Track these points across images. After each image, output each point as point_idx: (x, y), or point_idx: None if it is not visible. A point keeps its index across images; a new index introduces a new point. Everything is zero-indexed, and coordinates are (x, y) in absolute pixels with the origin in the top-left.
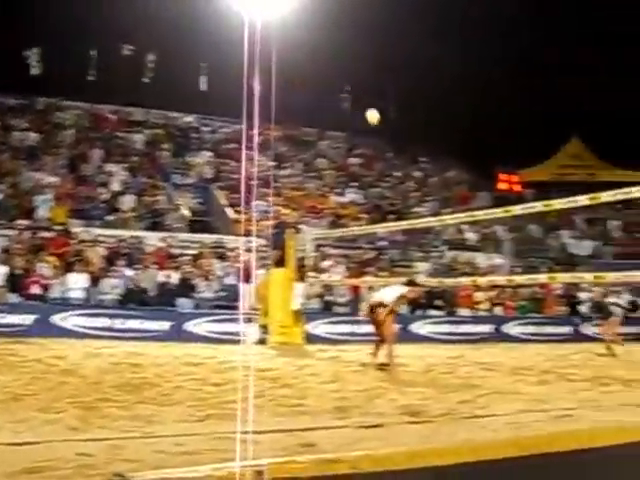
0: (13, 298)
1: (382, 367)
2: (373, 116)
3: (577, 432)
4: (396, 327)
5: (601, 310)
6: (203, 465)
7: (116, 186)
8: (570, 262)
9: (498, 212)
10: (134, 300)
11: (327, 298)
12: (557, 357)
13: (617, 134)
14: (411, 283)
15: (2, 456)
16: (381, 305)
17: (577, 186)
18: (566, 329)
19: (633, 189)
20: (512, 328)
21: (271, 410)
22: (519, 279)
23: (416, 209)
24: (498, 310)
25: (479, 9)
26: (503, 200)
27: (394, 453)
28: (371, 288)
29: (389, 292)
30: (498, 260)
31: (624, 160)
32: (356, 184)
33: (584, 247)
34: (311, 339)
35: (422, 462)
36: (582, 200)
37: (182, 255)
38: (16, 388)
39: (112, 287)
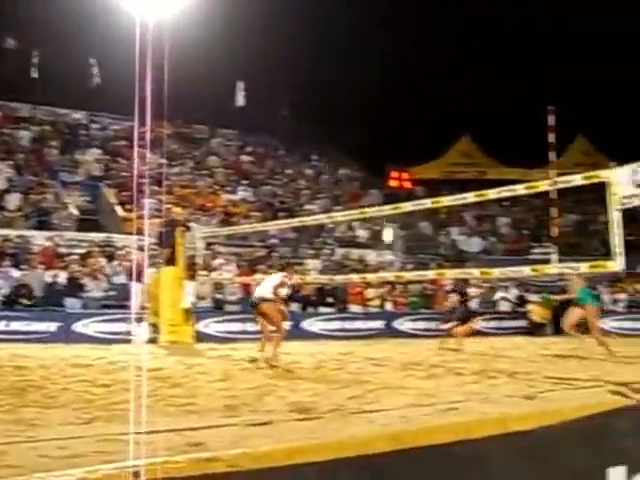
0: None
1: (271, 365)
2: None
3: (455, 424)
4: (286, 323)
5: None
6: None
7: (1, 184)
8: (460, 258)
9: (388, 209)
10: (20, 301)
11: (218, 296)
12: (446, 352)
13: (505, 133)
14: (284, 268)
15: None
16: (263, 300)
17: (467, 184)
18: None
19: (519, 186)
20: (402, 324)
21: (160, 410)
22: (408, 275)
23: (307, 207)
24: (389, 306)
25: (367, 11)
26: (394, 197)
27: (273, 450)
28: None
29: (266, 286)
30: (389, 257)
31: (512, 158)
32: (247, 182)
33: (473, 244)
34: (202, 338)
35: (302, 458)
36: (470, 197)
37: (70, 254)
38: None
39: None
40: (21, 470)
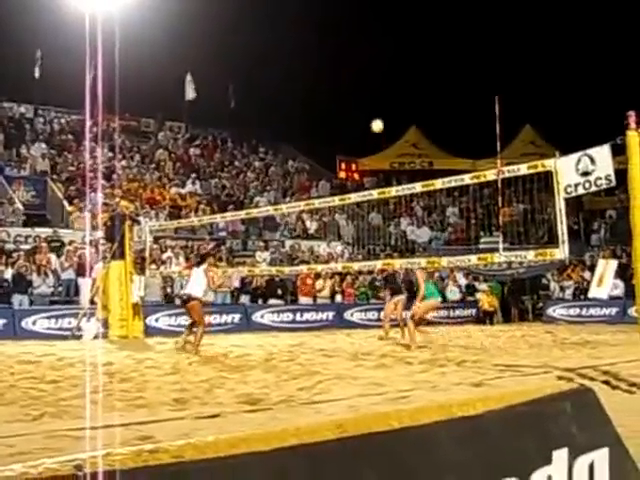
0: None
1: (187, 346)
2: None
3: (399, 411)
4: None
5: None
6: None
7: None
8: (409, 249)
9: (336, 200)
10: None
11: (167, 290)
12: (395, 341)
13: (453, 123)
14: (204, 258)
15: None
16: (191, 298)
17: (416, 174)
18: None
19: (466, 176)
20: (353, 314)
21: (109, 405)
22: (357, 266)
23: (257, 199)
24: (339, 298)
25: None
26: (342, 189)
27: (217, 440)
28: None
29: (193, 284)
30: (339, 248)
31: (460, 149)
32: (196, 175)
33: (422, 234)
34: (151, 332)
35: (245, 448)
36: (417, 187)
37: (17, 250)
38: None
39: None
40: None
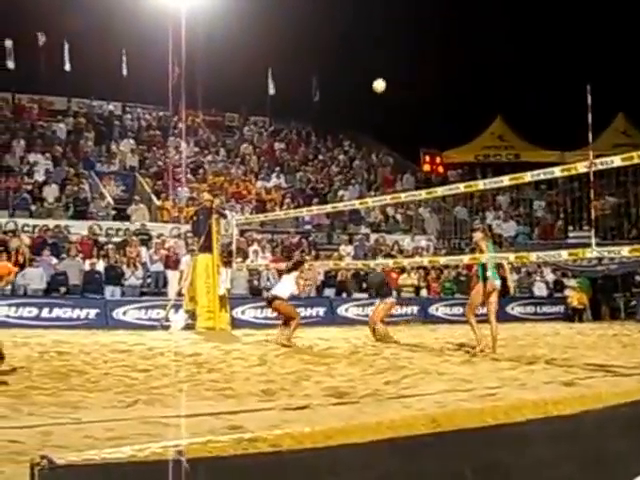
0: None
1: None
2: (380, 85)
3: (493, 408)
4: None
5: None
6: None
7: (40, 176)
8: (495, 243)
9: (422, 194)
10: (58, 289)
11: (254, 283)
12: (482, 337)
13: (540, 114)
14: (296, 266)
15: None
16: (276, 298)
17: (502, 167)
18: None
19: (556, 169)
20: (438, 309)
21: (198, 394)
22: (443, 260)
23: (341, 192)
24: (423, 292)
25: None
26: (427, 182)
27: (314, 431)
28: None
29: (281, 288)
30: (423, 242)
31: (548, 141)
32: (280, 169)
33: (509, 228)
34: (237, 324)
35: (341, 439)
36: (505, 180)
37: (108, 243)
38: None
39: (38, 276)
40: (68, 451)
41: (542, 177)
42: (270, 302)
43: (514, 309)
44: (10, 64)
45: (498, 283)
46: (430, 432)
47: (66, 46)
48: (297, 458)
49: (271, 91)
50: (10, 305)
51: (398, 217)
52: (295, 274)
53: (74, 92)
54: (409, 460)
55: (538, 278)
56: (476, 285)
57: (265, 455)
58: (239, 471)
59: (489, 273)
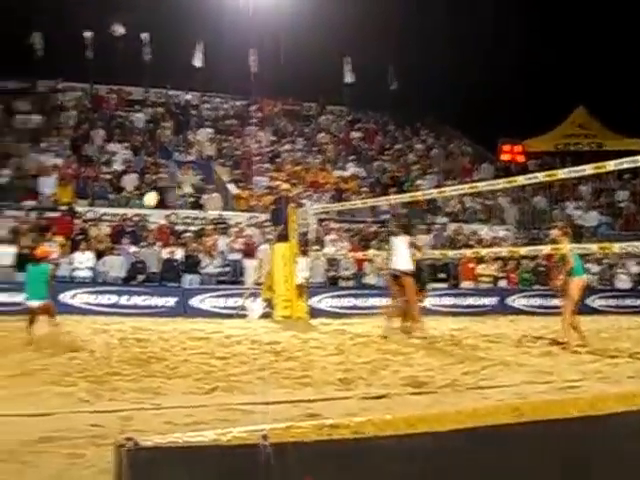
0: (20, 277)
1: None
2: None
3: (577, 399)
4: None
5: None
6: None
7: (119, 165)
8: (576, 233)
9: (501, 183)
10: (137, 277)
11: (331, 272)
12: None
13: (623, 102)
14: (406, 229)
15: (17, 426)
16: (405, 274)
17: (583, 156)
18: None
19: None
20: (516, 300)
21: (276, 382)
22: (522, 250)
23: (418, 182)
24: (502, 282)
25: None
26: (506, 171)
27: (396, 419)
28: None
29: (403, 260)
30: (502, 232)
31: (631, 129)
32: (358, 158)
33: (590, 218)
34: (315, 313)
35: (423, 427)
36: (588, 169)
37: (185, 232)
38: (28, 363)
39: (118, 264)
40: (148, 435)
41: (625, 166)
42: (397, 277)
43: (595, 302)
44: (89, 55)
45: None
46: (513, 421)
47: (144, 36)
48: (378, 445)
49: (348, 80)
50: (90, 292)
51: (476, 207)
52: (406, 239)
53: (152, 82)
54: (490, 449)
55: (620, 270)
56: (566, 280)
57: (346, 441)
58: (320, 456)
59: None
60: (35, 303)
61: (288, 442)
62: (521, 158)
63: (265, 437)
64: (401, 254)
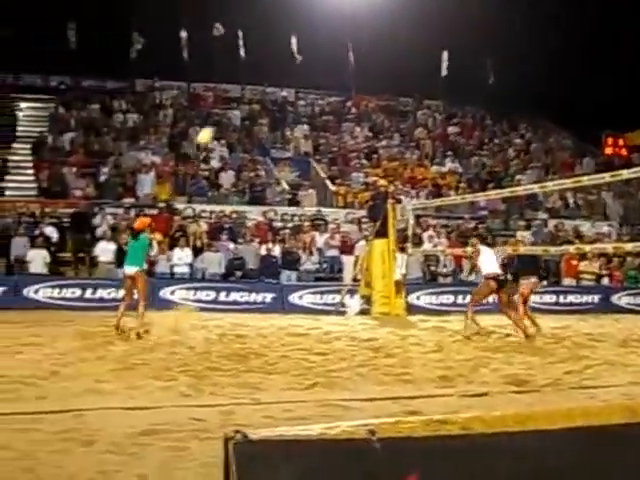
0: (120, 274)
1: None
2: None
3: None
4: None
5: None
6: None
7: (216, 162)
8: None
9: (604, 177)
10: (235, 273)
11: (430, 268)
12: None
13: None
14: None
15: (120, 419)
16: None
17: None
18: None
19: None
20: (620, 299)
21: (376, 379)
22: (628, 246)
23: (518, 177)
24: (605, 280)
25: None
26: (608, 165)
27: (504, 416)
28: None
29: (494, 264)
30: (605, 228)
31: None
32: (455, 153)
33: None
34: (413, 310)
35: (533, 425)
36: None
37: (283, 228)
38: (129, 358)
39: (216, 261)
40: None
41: None
42: (504, 283)
43: None
44: (185, 54)
45: None
46: (626, 421)
47: (240, 34)
48: (487, 442)
49: (445, 74)
50: (189, 289)
51: (578, 202)
52: (503, 250)
53: (248, 79)
54: (602, 449)
55: None
56: None
57: (455, 437)
58: (428, 452)
59: None
60: (130, 270)
61: (396, 437)
62: (624, 152)
63: (372, 432)
64: (492, 262)
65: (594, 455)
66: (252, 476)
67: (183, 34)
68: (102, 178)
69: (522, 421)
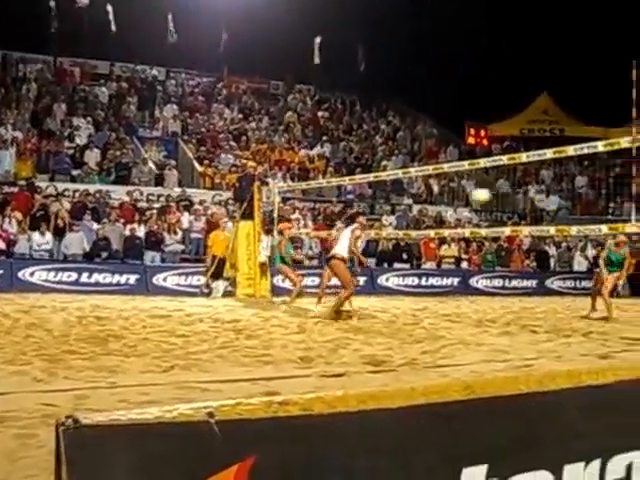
0: None
1: (348, 314)
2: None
3: (527, 376)
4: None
5: None
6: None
7: (81, 140)
8: (537, 217)
9: (465, 165)
10: (100, 254)
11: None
12: (521, 310)
13: (585, 90)
14: (354, 218)
15: None
16: (334, 257)
17: (546, 142)
18: (531, 282)
19: (599, 143)
20: (478, 281)
21: (236, 360)
22: (484, 232)
23: (384, 163)
24: (464, 264)
25: None
26: (471, 155)
27: (346, 395)
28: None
29: (341, 245)
30: (465, 214)
31: (592, 116)
32: (324, 138)
33: (551, 202)
34: (278, 291)
35: (374, 404)
36: (548, 153)
37: (149, 209)
38: None
39: (78, 241)
40: (96, 414)
41: (586, 151)
42: (328, 260)
43: (554, 283)
44: (52, 27)
45: None
46: (463, 398)
47: (110, 9)
48: (327, 422)
49: (317, 60)
50: (49, 270)
51: (441, 189)
52: (352, 227)
53: (117, 56)
54: (441, 426)
55: (579, 253)
56: None
57: (295, 418)
58: (266, 435)
59: None
60: None
61: (234, 419)
62: (486, 142)
63: (211, 414)
64: (341, 240)
65: (432, 432)
66: (84, 464)
67: (52, 3)
68: None
69: (364, 400)
